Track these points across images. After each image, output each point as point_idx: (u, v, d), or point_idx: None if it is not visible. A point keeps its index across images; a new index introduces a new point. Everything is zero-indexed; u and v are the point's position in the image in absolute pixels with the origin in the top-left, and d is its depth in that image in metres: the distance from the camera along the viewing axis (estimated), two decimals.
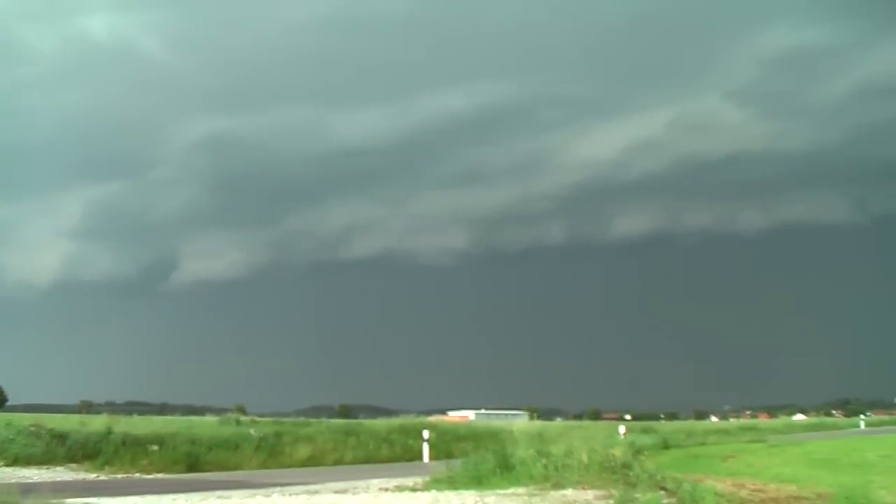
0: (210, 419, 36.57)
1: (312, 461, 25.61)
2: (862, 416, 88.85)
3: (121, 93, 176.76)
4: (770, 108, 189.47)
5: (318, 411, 54.46)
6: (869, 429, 64.02)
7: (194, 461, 22.61)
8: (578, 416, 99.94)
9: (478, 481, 14.97)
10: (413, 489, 14.63)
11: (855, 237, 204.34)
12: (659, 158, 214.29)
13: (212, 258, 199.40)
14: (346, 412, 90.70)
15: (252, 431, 26.93)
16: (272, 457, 25.06)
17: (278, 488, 15.07)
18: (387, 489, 14.85)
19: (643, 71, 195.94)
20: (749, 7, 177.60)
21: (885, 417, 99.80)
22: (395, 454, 28.12)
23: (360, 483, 16.15)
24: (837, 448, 27.06)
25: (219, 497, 13.34)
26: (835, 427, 72.70)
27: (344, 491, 14.49)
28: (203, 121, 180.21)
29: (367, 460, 26.74)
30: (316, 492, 14.34)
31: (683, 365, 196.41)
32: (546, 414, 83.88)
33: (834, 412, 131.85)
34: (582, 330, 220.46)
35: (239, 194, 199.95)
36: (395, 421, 34.46)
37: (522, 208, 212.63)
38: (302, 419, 37.05)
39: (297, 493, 13.81)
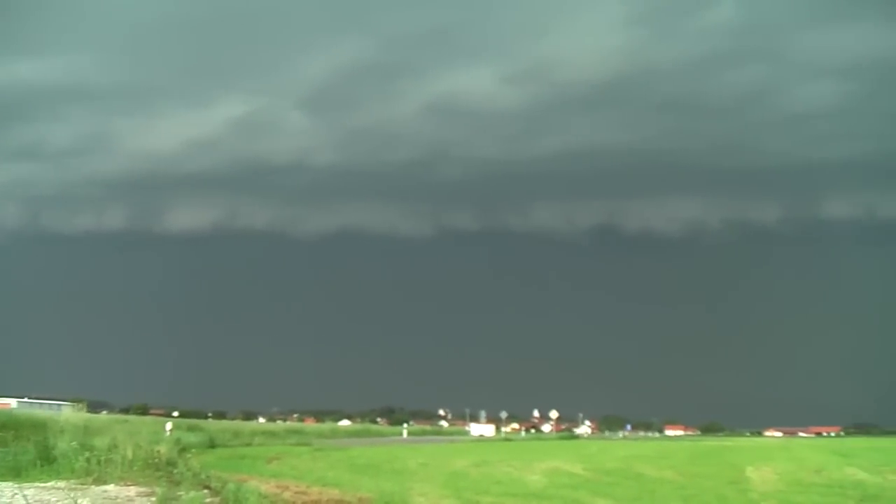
0: None
1: None
2: (405, 425, 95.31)
3: None
4: (341, 119, 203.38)
5: None
6: (411, 437, 69.25)
7: None
8: (125, 410, 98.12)
9: (16, 473, 14.74)
10: None
11: (425, 248, 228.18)
12: (221, 155, 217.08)
13: None
14: None
15: None
16: None
17: None
18: None
19: (218, 67, 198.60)
20: (336, 17, 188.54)
21: (427, 427, 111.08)
22: None
23: None
24: (380, 455, 29.39)
25: None
26: (379, 434, 78.72)
27: None
28: None
29: None
30: None
31: (234, 363, 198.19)
32: (93, 406, 79.28)
33: (379, 420, 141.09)
34: (134, 320, 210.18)
35: None
36: None
37: (80, 191, 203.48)
38: None
39: None
